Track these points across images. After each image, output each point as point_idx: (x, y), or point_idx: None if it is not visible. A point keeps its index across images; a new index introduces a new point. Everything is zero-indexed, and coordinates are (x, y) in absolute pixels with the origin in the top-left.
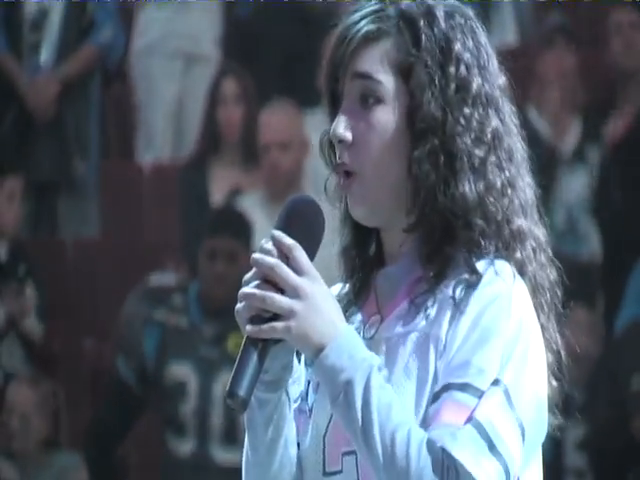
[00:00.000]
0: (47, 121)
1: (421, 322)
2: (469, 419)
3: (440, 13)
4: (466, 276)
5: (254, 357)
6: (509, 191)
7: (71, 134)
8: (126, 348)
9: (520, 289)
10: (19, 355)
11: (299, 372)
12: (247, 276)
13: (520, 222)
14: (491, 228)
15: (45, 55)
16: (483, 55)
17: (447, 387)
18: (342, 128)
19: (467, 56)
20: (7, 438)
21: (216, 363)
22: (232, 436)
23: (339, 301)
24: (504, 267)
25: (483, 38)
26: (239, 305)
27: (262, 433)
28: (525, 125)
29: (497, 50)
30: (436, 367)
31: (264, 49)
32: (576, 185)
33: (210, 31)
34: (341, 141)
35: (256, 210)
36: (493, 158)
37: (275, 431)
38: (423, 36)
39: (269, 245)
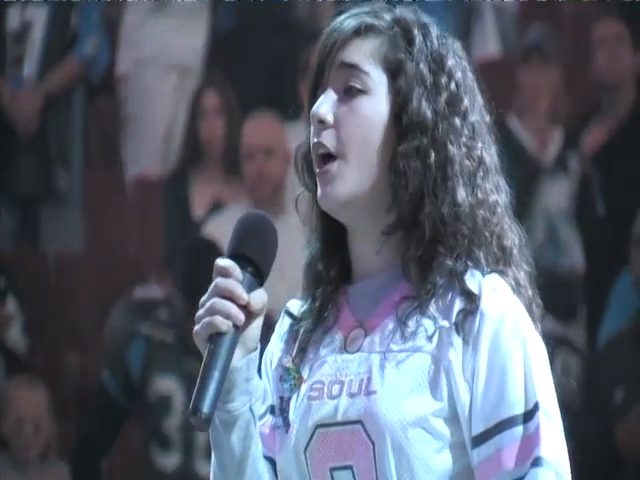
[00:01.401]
0: (30, 134)
1: (425, 344)
2: (536, 461)
3: (434, 30)
4: (462, 298)
5: (215, 373)
6: (499, 210)
7: (54, 146)
8: (112, 360)
9: (517, 302)
10: (2, 369)
11: (262, 389)
12: (203, 298)
13: (508, 240)
14: (480, 240)
15: (28, 68)
16: (471, 84)
17: (491, 430)
18: (324, 108)
19: (459, 75)
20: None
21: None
22: None
23: (301, 317)
24: (498, 282)
25: (471, 73)
26: (197, 327)
27: (229, 453)
28: (507, 135)
29: (479, 61)
30: (450, 386)
31: (248, 61)
32: (558, 195)
33: (194, 45)
34: (321, 121)
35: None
36: (481, 174)
37: (242, 450)
38: (417, 40)
39: (225, 262)
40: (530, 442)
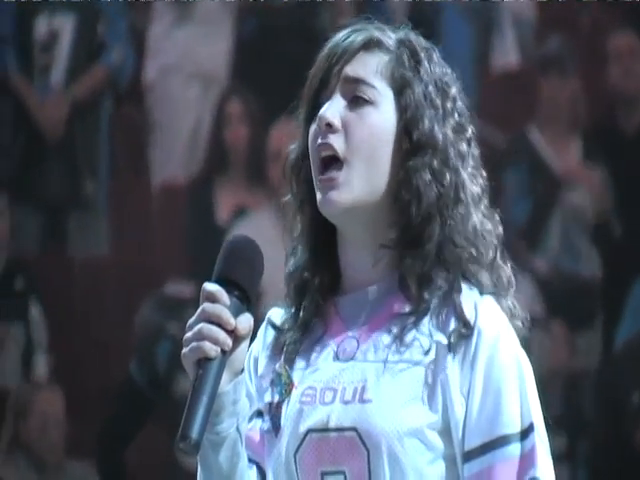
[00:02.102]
0: (57, 141)
1: (422, 358)
2: None
3: (438, 57)
4: (458, 317)
5: (203, 398)
6: (497, 239)
7: (81, 154)
8: (140, 353)
9: (509, 324)
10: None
11: (248, 408)
12: (190, 321)
13: (504, 270)
14: (481, 264)
15: (55, 76)
16: (467, 118)
17: (485, 446)
18: (331, 113)
19: (461, 105)
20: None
21: None
22: None
23: (285, 328)
24: (493, 304)
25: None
26: (186, 349)
27: (217, 471)
28: (528, 146)
29: (499, 72)
30: (445, 399)
31: (271, 68)
32: (576, 204)
33: (219, 55)
34: (329, 124)
35: (267, 225)
36: (485, 201)
37: (230, 467)
38: (424, 62)
39: (212, 287)
40: (526, 462)
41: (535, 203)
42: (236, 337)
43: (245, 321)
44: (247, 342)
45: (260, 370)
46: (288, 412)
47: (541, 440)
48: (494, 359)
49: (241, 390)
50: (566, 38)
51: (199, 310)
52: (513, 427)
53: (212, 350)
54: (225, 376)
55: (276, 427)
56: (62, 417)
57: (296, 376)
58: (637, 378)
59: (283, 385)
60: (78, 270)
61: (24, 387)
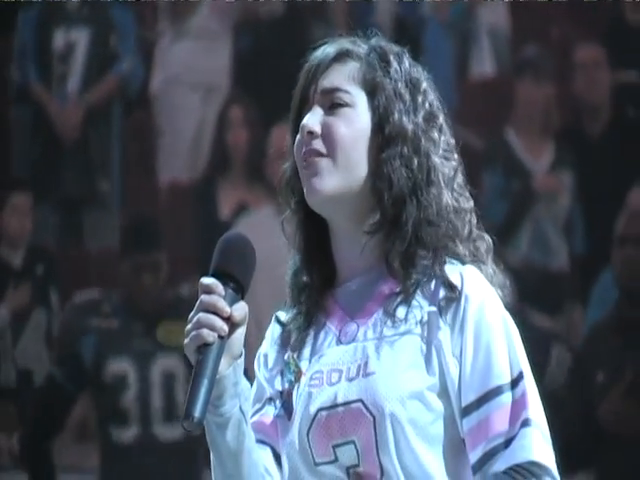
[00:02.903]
0: (73, 143)
1: (415, 327)
2: (525, 422)
3: (407, 57)
4: (445, 287)
5: (204, 380)
6: (471, 215)
7: (95, 155)
8: (61, 356)
9: (491, 288)
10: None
11: (249, 389)
12: (191, 314)
13: (482, 242)
14: (459, 238)
15: (72, 84)
16: (441, 107)
17: (481, 399)
18: (312, 121)
19: (432, 97)
20: None
21: (150, 352)
22: (172, 414)
23: (291, 323)
24: (476, 271)
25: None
26: (186, 340)
27: (226, 450)
28: (505, 147)
29: (477, 80)
30: (440, 362)
31: (268, 78)
32: (548, 204)
33: (221, 65)
34: (310, 132)
35: (267, 222)
36: (458, 181)
37: (237, 446)
38: (393, 64)
39: (208, 281)
40: (518, 406)
41: (511, 201)
42: (232, 324)
43: (240, 308)
44: (243, 328)
45: (270, 364)
46: (299, 397)
47: (530, 385)
48: (482, 321)
49: (240, 373)
50: (538, 47)
51: (197, 302)
52: (504, 378)
53: (210, 336)
54: (224, 360)
55: (288, 412)
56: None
57: (304, 364)
58: (601, 360)
59: (292, 373)
60: (93, 260)
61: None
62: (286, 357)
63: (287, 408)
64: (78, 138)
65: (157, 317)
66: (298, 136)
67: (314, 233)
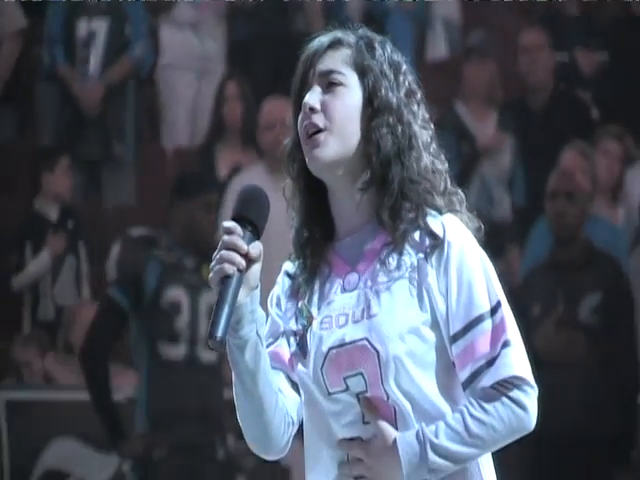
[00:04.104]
0: (94, 115)
1: (406, 273)
2: (505, 343)
3: (389, 44)
4: (429, 236)
5: (225, 306)
6: (445, 174)
7: (112, 124)
8: (122, 280)
9: (469, 232)
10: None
11: (264, 317)
12: (214, 253)
13: (456, 195)
14: (437, 192)
15: (93, 66)
16: (417, 86)
17: (466, 327)
18: (312, 99)
19: (410, 77)
20: None
21: (198, 287)
22: None
23: (298, 275)
24: (454, 218)
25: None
26: (211, 274)
27: (245, 368)
28: (455, 118)
29: (432, 61)
30: (430, 300)
31: (259, 61)
32: (492, 164)
33: (217, 49)
34: (312, 108)
35: (259, 178)
36: (434, 146)
37: (254, 365)
38: (378, 50)
39: (229, 224)
40: (498, 330)
41: (460, 163)
42: (249, 260)
43: (256, 247)
44: (259, 264)
45: (282, 307)
46: (312, 338)
47: (507, 312)
48: (463, 262)
49: (256, 302)
50: (485, 33)
51: (220, 242)
52: (484, 307)
53: (230, 269)
54: (242, 291)
55: (303, 351)
56: None
57: (314, 310)
58: (536, 295)
59: (305, 318)
60: (111, 215)
61: (73, 305)
62: (300, 305)
63: (302, 347)
64: (98, 111)
65: (203, 257)
66: (301, 113)
67: (313, 196)
